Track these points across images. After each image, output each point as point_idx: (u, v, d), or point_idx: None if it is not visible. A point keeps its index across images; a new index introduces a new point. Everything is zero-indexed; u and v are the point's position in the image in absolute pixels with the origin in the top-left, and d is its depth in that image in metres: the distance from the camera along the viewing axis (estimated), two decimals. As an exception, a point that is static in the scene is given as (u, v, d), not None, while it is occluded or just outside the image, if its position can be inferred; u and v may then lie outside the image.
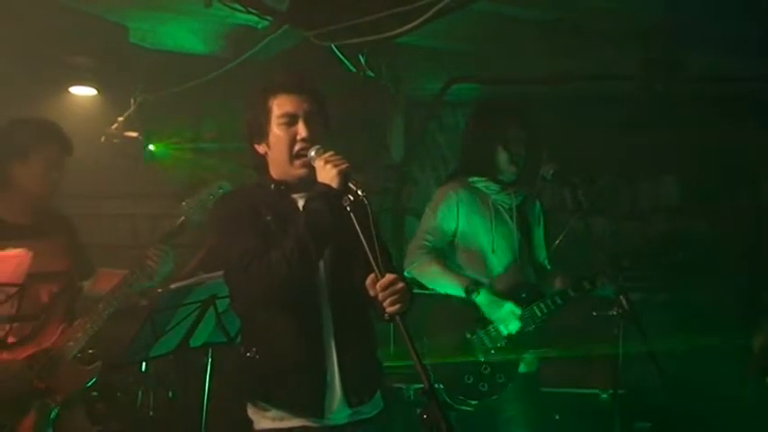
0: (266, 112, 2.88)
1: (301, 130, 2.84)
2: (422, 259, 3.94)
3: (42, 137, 3.70)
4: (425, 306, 3.89)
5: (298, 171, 2.85)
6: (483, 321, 3.89)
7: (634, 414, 4.71)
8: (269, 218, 2.83)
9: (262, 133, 2.90)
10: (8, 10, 4.17)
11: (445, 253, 4.00)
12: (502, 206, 4.00)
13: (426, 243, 3.98)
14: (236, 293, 2.98)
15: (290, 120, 2.85)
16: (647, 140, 6.09)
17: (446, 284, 3.91)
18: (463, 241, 3.98)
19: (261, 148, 2.93)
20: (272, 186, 2.91)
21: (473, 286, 3.85)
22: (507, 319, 3.83)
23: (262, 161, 2.95)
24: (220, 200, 3.08)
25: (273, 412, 2.82)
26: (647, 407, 4.75)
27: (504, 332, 3.84)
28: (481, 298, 3.84)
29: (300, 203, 2.84)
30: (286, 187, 2.90)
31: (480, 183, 4.01)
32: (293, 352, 2.80)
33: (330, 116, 2.97)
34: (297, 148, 2.84)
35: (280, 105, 2.87)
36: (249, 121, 2.94)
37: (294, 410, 2.81)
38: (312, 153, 2.78)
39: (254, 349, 2.85)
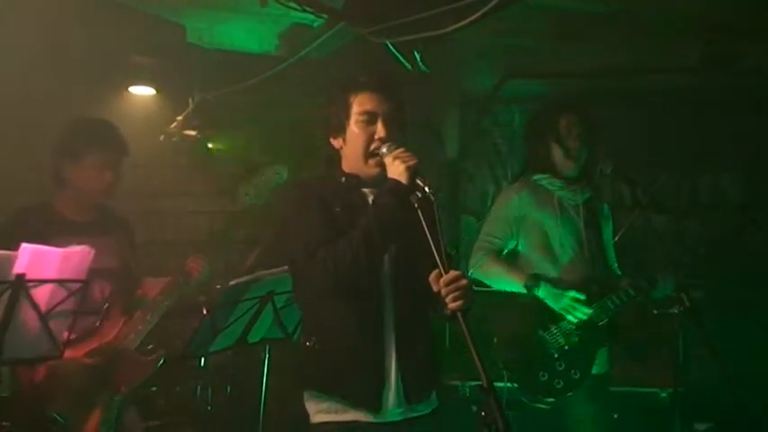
0: (346, 109, 2.90)
1: (380, 130, 2.85)
2: (483, 260, 3.96)
3: (98, 139, 3.76)
4: (495, 305, 3.89)
5: (372, 170, 2.88)
6: (555, 318, 3.88)
7: (695, 413, 4.63)
8: (338, 209, 2.85)
9: (340, 128, 2.92)
10: (67, 11, 4.24)
11: (509, 253, 4.01)
12: (568, 203, 4.00)
13: (488, 245, 4.01)
14: (300, 282, 3.02)
15: (370, 118, 2.87)
16: (707, 135, 5.99)
17: (507, 282, 3.92)
18: (530, 240, 3.98)
19: (336, 143, 2.96)
20: (343, 179, 2.93)
21: (532, 281, 3.84)
22: (571, 307, 3.81)
23: (335, 155, 2.98)
24: (289, 190, 3.09)
25: (330, 404, 2.84)
26: (709, 406, 4.66)
27: (574, 320, 3.81)
28: (542, 292, 3.84)
29: (370, 198, 2.87)
30: (356, 181, 2.92)
31: (544, 180, 4.02)
32: (354, 344, 2.82)
33: (408, 117, 2.98)
34: (373, 146, 2.85)
35: (360, 103, 2.89)
36: (328, 116, 2.96)
37: (351, 403, 2.82)
38: (384, 149, 2.80)
39: (314, 339, 2.88)
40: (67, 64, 4.70)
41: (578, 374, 3.83)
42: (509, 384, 3.82)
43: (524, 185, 4.05)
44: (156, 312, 3.66)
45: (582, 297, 3.81)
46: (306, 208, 2.87)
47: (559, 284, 3.87)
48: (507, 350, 3.89)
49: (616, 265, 4.17)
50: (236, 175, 3.87)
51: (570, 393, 3.82)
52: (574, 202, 4.00)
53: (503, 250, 4.02)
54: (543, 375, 3.84)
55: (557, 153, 3.98)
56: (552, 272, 3.93)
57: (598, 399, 3.88)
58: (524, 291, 3.87)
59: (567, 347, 3.84)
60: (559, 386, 3.83)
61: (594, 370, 3.87)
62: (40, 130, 3.92)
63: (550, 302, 3.85)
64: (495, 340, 3.92)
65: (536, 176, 4.04)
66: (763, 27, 4.75)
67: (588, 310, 3.81)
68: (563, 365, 3.84)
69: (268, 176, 3.80)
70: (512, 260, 4.03)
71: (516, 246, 4.03)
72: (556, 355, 3.84)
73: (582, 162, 3.98)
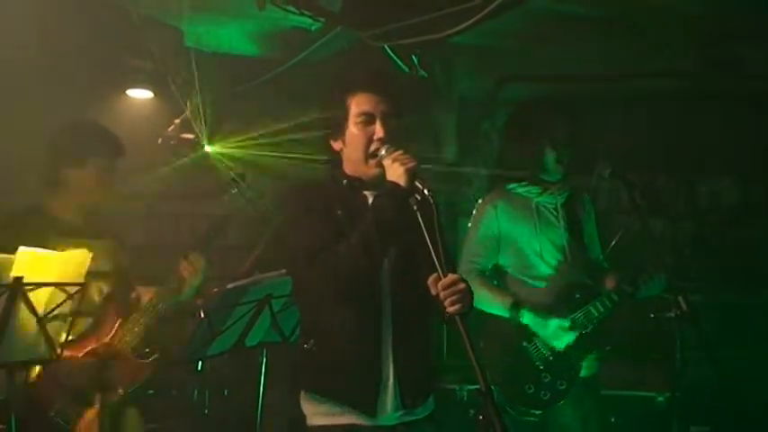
0: (344, 110, 2.90)
1: (378, 131, 2.85)
2: (469, 279, 3.89)
3: (96, 145, 3.76)
4: (479, 317, 3.87)
5: (372, 170, 2.87)
6: None
7: (692, 417, 4.63)
8: (339, 212, 2.86)
9: (338, 131, 2.92)
10: (66, 12, 4.25)
11: (494, 271, 3.96)
12: (546, 207, 3.94)
13: (475, 265, 3.93)
14: (299, 285, 3.02)
15: (368, 119, 2.87)
16: (705, 137, 5.99)
17: (492, 307, 3.85)
18: (509, 251, 3.92)
19: (336, 145, 2.96)
20: (345, 182, 2.93)
21: (516, 309, 3.80)
22: (556, 335, 3.79)
23: (336, 157, 2.98)
24: (290, 194, 3.05)
25: (326, 407, 2.84)
26: (706, 410, 4.66)
27: (558, 347, 3.79)
28: (526, 318, 3.79)
29: (371, 200, 2.87)
30: (358, 184, 2.92)
31: (520, 188, 3.95)
32: (350, 347, 2.82)
33: (407, 114, 2.98)
34: (373, 147, 2.85)
35: (358, 104, 2.89)
36: (327, 118, 2.96)
37: (346, 405, 2.82)
38: (383, 151, 2.80)
39: (311, 341, 2.88)
40: (65, 66, 4.69)
41: (564, 385, 3.78)
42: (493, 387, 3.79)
43: (499, 196, 3.97)
44: (151, 314, 3.66)
45: (566, 324, 3.78)
46: (306, 212, 2.87)
47: (542, 310, 3.80)
48: (492, 362, 3.81)
49: (602, 257, 4.13)
50: (223, 180, 3.86)
51: (558, 404, 3.78)
52: (552, 205, 3.94)
53: (487, 269, 3.95)
54: (530, 388, 3.79)
55: (550, 157, 3.89)
56: (536, 285, 3.88)
57: (585, 402, 3.83)
58: (508, 316, 3.81)
59: (551, 358, 3.80)
60: (546, 397, 3.78)
61: (582, 373, 3.82)
62: (37, 133, 3.91)
63: (535, 329, 3.80)
64: (482, 344, 3.89)
65: (511, 185, 3.96)
66: (762, 30, 4.76)
67: (573, 336, 3.77)
68: (548, 377, 3.80)
69: (248, 184, 3.81)
70: (496, 276, 3.97)
71: (499, 261, 3.96)
72: (541, 367, 3.80)
73: (567, 165, 3.93)
